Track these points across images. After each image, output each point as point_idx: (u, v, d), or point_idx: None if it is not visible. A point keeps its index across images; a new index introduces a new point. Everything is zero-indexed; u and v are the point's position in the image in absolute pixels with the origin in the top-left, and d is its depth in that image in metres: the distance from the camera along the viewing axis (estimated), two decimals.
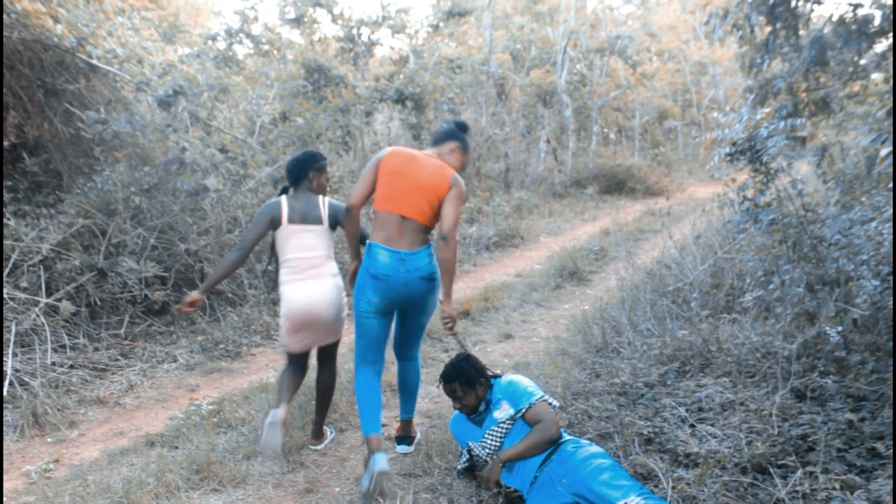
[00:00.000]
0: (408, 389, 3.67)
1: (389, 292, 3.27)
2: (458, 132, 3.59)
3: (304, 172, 3.65)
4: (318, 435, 3.81)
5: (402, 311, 3.46)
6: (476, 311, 6.35)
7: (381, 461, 3.11)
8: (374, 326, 3.37)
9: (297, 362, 3.68)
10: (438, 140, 3.58)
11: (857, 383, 3.14)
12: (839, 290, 3.43)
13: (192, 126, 6.73)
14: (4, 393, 4.26)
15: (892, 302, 3.13)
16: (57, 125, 6.18)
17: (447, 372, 3.25)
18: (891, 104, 4.04)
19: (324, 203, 3.65)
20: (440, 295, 3.39)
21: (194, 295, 3.54)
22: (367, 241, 3.34)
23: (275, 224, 3.55)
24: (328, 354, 3.75)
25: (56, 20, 6.00)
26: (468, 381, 3.21)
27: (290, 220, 3.54)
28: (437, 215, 3.33)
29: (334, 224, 3.66)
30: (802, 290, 3.60)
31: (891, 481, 2.52)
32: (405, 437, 3.73)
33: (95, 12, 6.61)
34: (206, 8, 21.91)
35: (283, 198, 3.61)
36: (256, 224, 3.56)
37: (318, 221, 3.58)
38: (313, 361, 3.79)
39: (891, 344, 3.17)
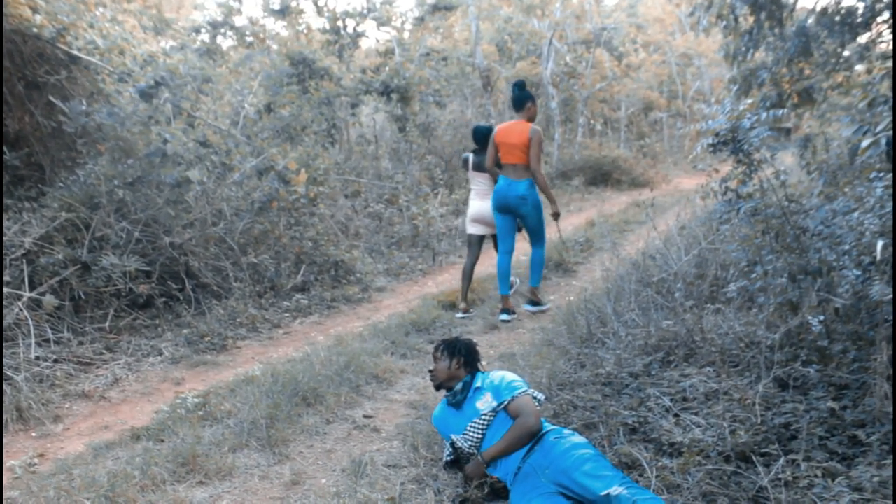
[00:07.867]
0: (531, 266, 6.10)
1: (499, 201, 5.83)
2: (524, 95, 5.76)
3: (484, 139, 6.05)
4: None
5: (516, 217, 5.92)
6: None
7: (503, 315, 5.88)
8: (500, 221, 5.95)
9: (472, 251, 6.33)
10: (518, 107, 5.81)
11: (839, 372, 3.17)
12: (821, 280, 3.46)
13: (175, 118, 6.66)
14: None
15: (872, 292, 3.15)
16: (38, 118, 6.10)
17: (444, 339, 3.58)
18: (872, 96, 4.08)
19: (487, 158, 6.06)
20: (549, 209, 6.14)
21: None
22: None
23: (468, 168, 6.33)
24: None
25: (35, 10, 5.91)
26: (450, 350, 3.39)
27: (473, 168, 6.22)
28: (529, 153, 5.65)
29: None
30: (785, 280, 3.62)
31: (871, 468, 2.56)
32: (531, 300, 6.11)
33: (76, 3, 6.51)
34: (189, 0, 21.64)
35: (471, 154, 6.28)
36: (463, 167, 6.48)
37: (485, 171, 6.09)
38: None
39: (871, 333, 3.20)
